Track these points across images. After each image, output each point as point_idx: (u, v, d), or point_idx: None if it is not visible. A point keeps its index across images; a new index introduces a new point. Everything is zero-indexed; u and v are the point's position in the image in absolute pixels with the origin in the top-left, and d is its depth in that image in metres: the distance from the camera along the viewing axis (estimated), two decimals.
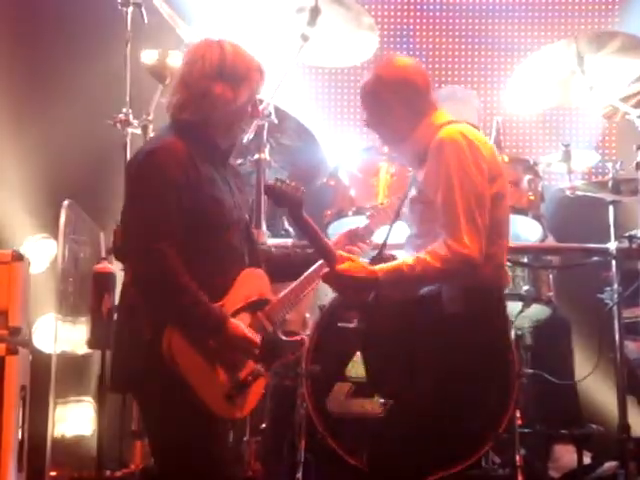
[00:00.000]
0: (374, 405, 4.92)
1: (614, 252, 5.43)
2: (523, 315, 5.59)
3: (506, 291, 5.49)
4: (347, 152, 5.70)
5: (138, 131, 5.38)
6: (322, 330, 5.16)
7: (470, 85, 6.93)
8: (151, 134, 5.34)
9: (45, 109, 6.72)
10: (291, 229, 5.77)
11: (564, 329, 5.94)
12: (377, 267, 3.76)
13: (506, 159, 5.49)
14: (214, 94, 3.81)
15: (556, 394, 5.66)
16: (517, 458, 5.13)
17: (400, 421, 3.78)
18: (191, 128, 3.82)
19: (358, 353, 4.97)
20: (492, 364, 3.88)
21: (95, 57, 6.51)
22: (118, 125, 5.36)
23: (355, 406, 5.06)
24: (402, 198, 4.06)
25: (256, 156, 5.19)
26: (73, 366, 5.59)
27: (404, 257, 3.85)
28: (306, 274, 4.01)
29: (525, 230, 5.63)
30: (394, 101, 3.91)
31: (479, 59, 7.26)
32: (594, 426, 5.62)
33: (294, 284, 4.01)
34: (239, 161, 5.10)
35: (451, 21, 7.36)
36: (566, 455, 5.68)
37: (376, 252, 4.01)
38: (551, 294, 5.69)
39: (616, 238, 5.47)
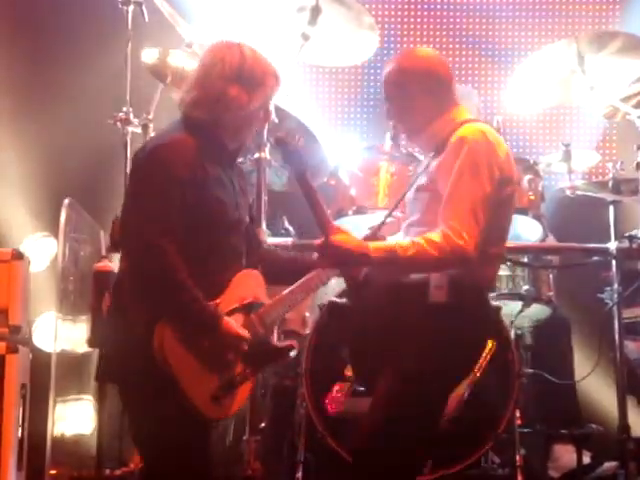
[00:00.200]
0: None
1: (614, 252, 5.44)
2: (523, 315, 5.59)
3: (506, 291, 5.60)
4: (347, 151, 5.71)
5: (138, 130, 5.38)
6: (322, 329, 5.16)
7: (470, 84, 6.92)
8: (151, 133, 5.35)
9: (45, 108, 6.72)
10: (291, 228, 5.77)
11: (564, 329, 5.94)
12: (370, 244, 3.75)
13: None
14: (229, 96, 3.82)
15: (556, 394, 5.67)
16: (517, 458, 5.13)
17: (382, 405, 3.77)
18: (201, 126, 3.83)
19: None
20: (465, 358, 3.88)
21: (96, 56, 6.51)
22: (118, 124, 5.36)
23: (355, 405, 5.05)
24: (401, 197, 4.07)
25: (256, 155, 5.19)
26: (73, 365, 5.59)
27: (399, 239, 3.86)
28: (302, 280, 4.00)
29: (525, 230, 5.63)
30: (417, 91, 3.91)
31: (479, 58, 7.27)
32: (594, 426, 5.62)
33: (290, 288, 4.00)
34: (240, 160, 5.10)
35: (452, 20, 7.36)
36: (566, 455, 5.67)
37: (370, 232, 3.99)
38: (551, 294, 5.70)
39: (616, 238, 5.48)
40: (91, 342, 5.04)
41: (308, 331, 5.30)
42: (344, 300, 3.89)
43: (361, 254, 3.71)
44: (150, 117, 5.40)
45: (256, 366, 3.92)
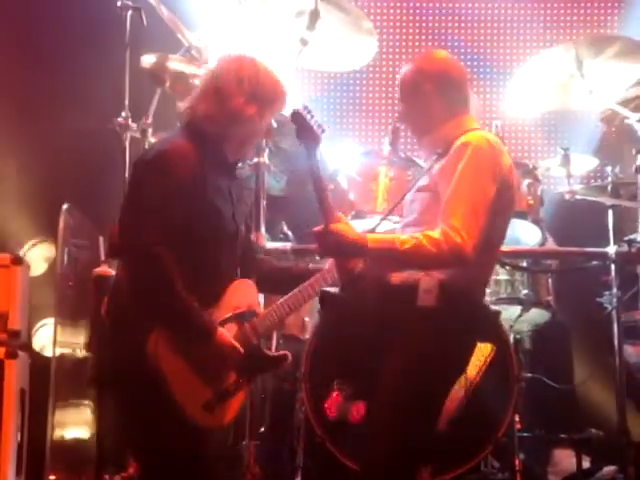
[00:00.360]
0: None
1: (613, 256, 5.44)
2: (522, 319, 5.59)
3: (505, 295, 5.60)
4: (346, 156, 5.70)
5: (137, 135, 5.38)
6: (321, 334, 5.16)
7: (469, 89, 6.92)
8: (150, 138, 5.35)
9: (45, 113, 6.71)
10: (290, 233, 5.77)
11: (563, 333, 5.93)
12: (369, 235, 3.76)
13: None
14: (246, 115, 3.83)
15: (555, 398, 5.67)
16: (516, 462, 5.14)
17: (378, 413, 3.77)
18: (206, 137, 3.83)
19: None
20: (452, 363, 3.87)
21: (94, 61, 6.50)
22: (117, 129, 5.36)
23: (353, 409, 5.04)
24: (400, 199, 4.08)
25: (255, 160, 5.19)
26: (72, 369, 5.58)
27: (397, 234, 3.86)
28: (296, 290, 3.99)
29: (524, 234, 5.63)
30: (431, 91, 3.94)
31: (478, 63, 7.27)
32: (593, 430, 5.61)
33: (283, 298, 4.00)
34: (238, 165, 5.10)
35: (450, 25, 7.36)
36: (565, 459, 5.67)
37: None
38: (550, 298, 5.69)
39: (615, 242, 5.48)
40: (89, 347, 5.04)
41: (307, 336, 5.30)
42: (336, 291, 3.87)
43: (359, 244, 3.71)
44: (149, 122, 5.40)
45: (249, 376, 3.93)
